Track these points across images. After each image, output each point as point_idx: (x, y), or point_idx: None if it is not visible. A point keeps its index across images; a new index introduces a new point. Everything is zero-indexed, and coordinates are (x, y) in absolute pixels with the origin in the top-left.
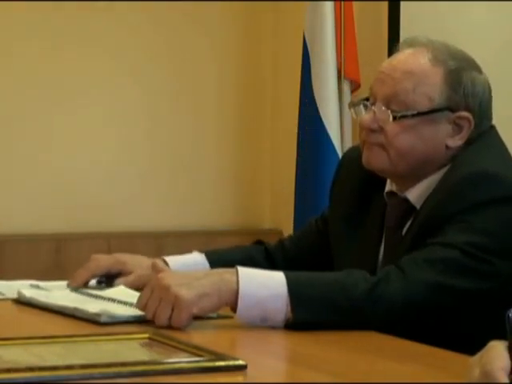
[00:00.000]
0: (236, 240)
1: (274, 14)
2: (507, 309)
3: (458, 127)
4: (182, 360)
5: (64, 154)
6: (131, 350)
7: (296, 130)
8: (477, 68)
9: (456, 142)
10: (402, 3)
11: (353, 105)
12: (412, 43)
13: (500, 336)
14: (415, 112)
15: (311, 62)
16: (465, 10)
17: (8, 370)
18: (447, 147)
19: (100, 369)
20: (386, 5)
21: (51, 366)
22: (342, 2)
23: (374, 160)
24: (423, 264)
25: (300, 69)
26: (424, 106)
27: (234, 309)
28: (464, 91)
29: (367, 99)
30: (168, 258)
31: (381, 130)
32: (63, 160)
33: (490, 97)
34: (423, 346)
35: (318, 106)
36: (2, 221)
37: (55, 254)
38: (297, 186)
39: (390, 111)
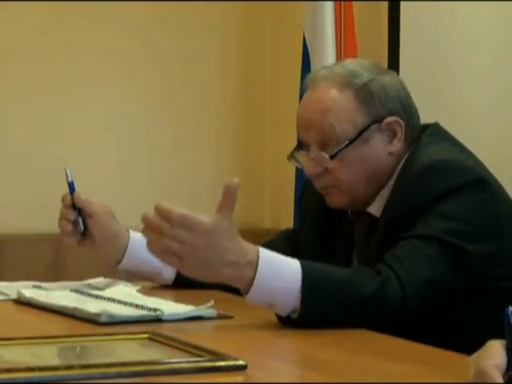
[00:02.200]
0: None
1: (273, 14)
2: (504, 305)
3: (391, 132)
4: (182, 360)
5: (64, 155)
6: (131, 350)
7: (296, 131)
8: (381, 71)
9: (396, 145)
10: (401, 3)
11: (290, 156)
12: (314, 81)
13: (500, 334)
14: (347, 142)
15: (311, 62)
16: (465, 10)
17: (8, 370)
18: (390, 154)
19: (100, 369)
20: (385, 5)
21: (51, 366)
22: (342, 2)
23: (335, 201)
24: (408, 262)
25: (300, 69)
26: (351, 132)
27: (243, 292)
28: (379, 100)
29: (300, 146)
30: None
31: (325, 171)
32: (63, 160)
33: (406, 91)
34: (423, 346)
35: None
36: (1, 221)
37: (55, 254)
38: (297, 186)
39: (324, 153)
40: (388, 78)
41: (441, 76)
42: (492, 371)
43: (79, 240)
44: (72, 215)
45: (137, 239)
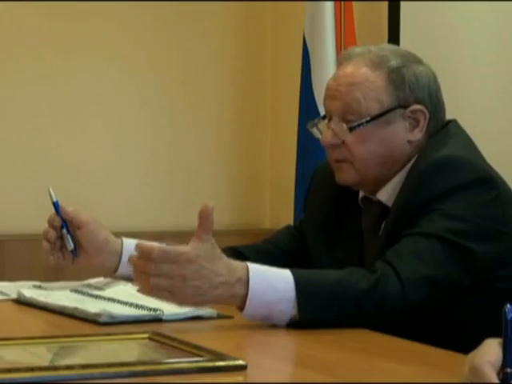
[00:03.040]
0: (236, 240)
1: (273, 14)
2: (502, 303)
3: (414, 121)
4: (182, 360)
5: (64, 154)
6: (131, 350)
7: (296, 130)
8: (417, 61)
9: (416, 135)
10: (401, 3)
11: (313, 125)
12: (349, 56)
13: (501, 335)
14: (368, 118)
15: (311, 62)
16: (465, 9)
17: (8, 370)
18: (409, 142)
19: (100, 369)
20: (385, 5)
21: (51, 366)
22: (342, 2)
23: (345, 177)
24: (410, 259)
25: (300, 69)
26: (375, 110)
27: (238, 309)
28: (409, 86)
29: (324, 117)
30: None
31: (342, 143)
32: (63, 160)
33: (437, 85)
34: (423, 346)
35: (318, 105)
36: (1, 221)
37: None
38: (297, 186)
39: (345, 124)
40: (422, 68)
41: (441, 76)
42: (485, 368)
43: (72, 259)
44: (53, 234)
45: (131, 246)
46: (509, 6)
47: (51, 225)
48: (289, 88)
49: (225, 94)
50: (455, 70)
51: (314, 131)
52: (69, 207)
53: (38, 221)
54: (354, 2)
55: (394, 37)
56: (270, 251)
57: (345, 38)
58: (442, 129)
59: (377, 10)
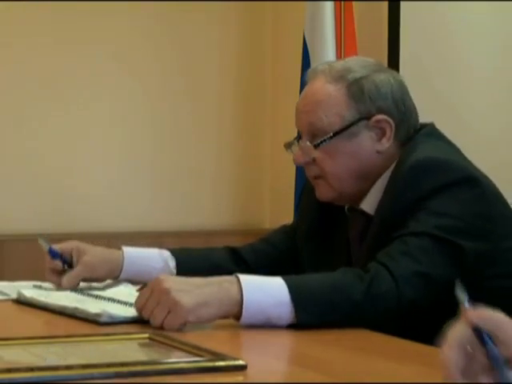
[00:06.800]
0: (236, 240)
1: (273, 14)
2: (496, 304)
3: (380, 130)
4: (182, 360)
5: (65, 155)
6: (131, 350)
7: (296, 130)
8: (379, 69)
9: (384, 144)
10: (401, 3)
11: (288, 146)
12: (313, 74)
13: None
14: (331, 134)
15: (311, 62)
16: (465, 10)
17: (8, 370)
18: (378, 152)
19: (100, 369)
20: (385, 5)
21: (51, 366)
22: (342, 2)
23: (322, 194)
24: (401, 258)
25: (300, 69)
26: (337, 125)
27: (236, 317)
28: (370, 97)
29: (298, 137)
30: (126, 248)
31: (313, 161)
32: (63, 160)
33: (404, 91)
34: (423, 346)
35: None
36: (2, 221)
37: None
38: (297, 187)
39: (309, 142)
40: (383, 77)
41: (440, 76)
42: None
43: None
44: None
45: (131, 253)
46: (509, 5)
47: (55, 271)
48: (289, 88)
49: (225, 94)
50: (454, 71)
51: (288, 150)
52: (66, 247)
53: (37, 221)
54: (353, 2)
55: (393, 37)
56: (267, 250)
57: (345, 38)
58: (417, 133)
59: (377, 9)
